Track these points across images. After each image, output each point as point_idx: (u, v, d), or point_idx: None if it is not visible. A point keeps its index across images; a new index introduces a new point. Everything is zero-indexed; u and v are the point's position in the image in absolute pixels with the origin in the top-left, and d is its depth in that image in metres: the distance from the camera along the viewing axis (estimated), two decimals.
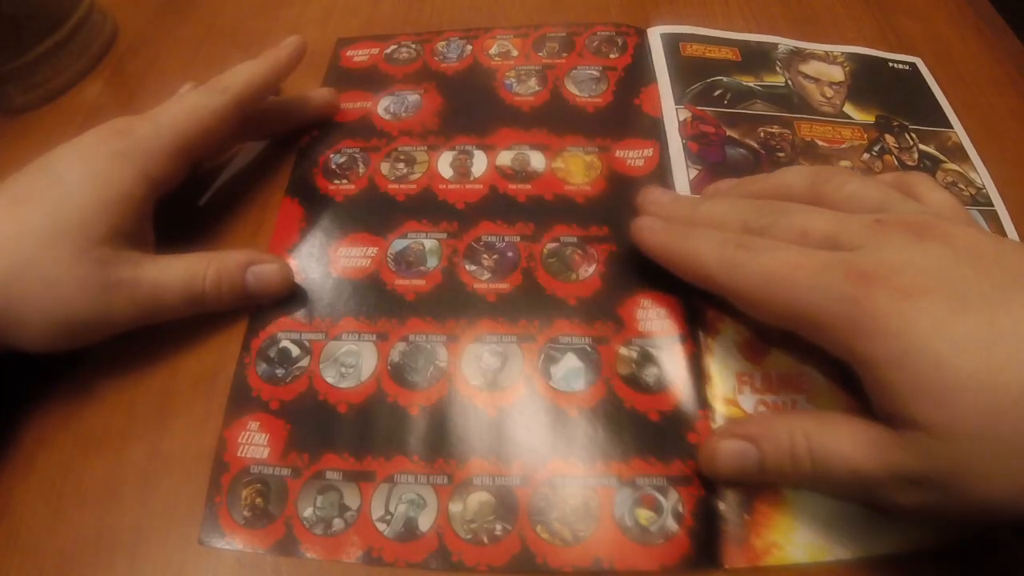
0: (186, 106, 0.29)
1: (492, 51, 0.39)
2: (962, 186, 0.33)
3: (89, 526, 0.25)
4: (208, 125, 0.29)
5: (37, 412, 0.28)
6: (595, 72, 0.37)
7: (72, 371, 0.28)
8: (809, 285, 0.21)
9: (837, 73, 0.37)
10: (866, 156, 0.34)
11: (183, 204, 0.33)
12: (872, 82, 0.37)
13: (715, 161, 0.33)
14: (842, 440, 0.21)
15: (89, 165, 0.26)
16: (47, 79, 0.40)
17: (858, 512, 0.24)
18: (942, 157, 0.34)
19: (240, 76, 0.31)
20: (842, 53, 0.38)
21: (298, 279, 0.30)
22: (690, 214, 0.27)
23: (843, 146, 0.34)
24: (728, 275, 0.23)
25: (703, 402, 0.26)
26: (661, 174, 0.33)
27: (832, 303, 0.21)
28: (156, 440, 0.27)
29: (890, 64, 0.38)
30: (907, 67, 0.38)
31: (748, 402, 0.26)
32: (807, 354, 0.26)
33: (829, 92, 0.36)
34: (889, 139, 0.34)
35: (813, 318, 0.21)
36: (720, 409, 0.26)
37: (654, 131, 0.34)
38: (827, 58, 0.38)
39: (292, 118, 0.36)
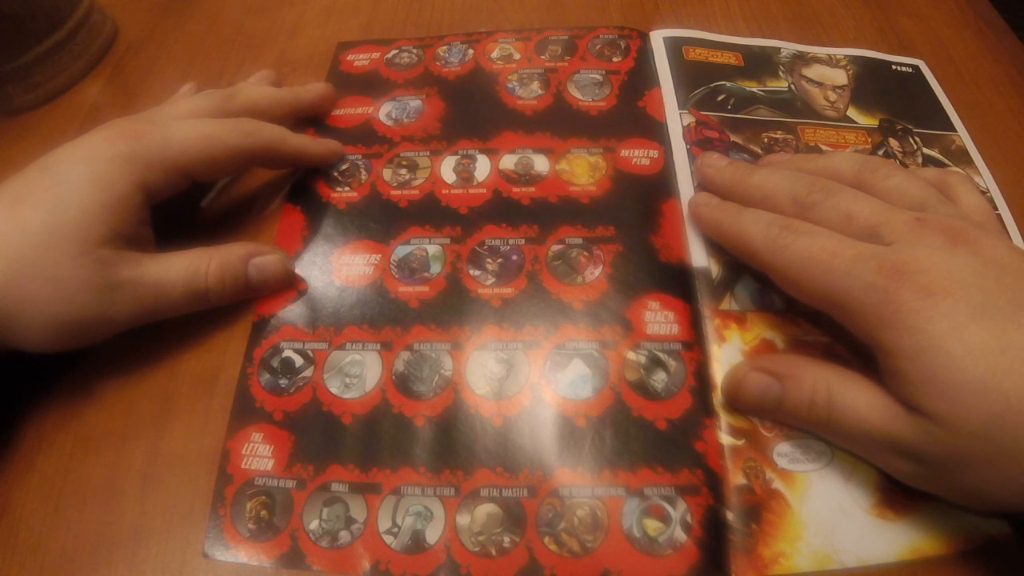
0: (202, 131, 0.28)
1: (494, 55, 0.38)
2: None
3: (89, 526, 0.25)
4: (217, 159, 0.29)
5: (37, 412, 0.28)
6: (598, 76, 0.37)
7: (72, 371, 0.28)
8: (844, 271, 0.22)
9: (840, 77, 0.37)
10: None
11: (184, 214, 0.32)
12: (875, 85, 0.37)
13: None
14: (859, 398, 0.22)
15: (90, 166, 0.26)
16: (47, 79, 0.39)
17: (864, 522, 0.24)
18: (946, 161, 0.34)
19: (271, 132, 0.31)
20: (845, 56, 0.38)
21: (300, 288, 0.30)
22: (744, 179, 0.28)
23: (847, 151, 0.34)
24: (771, 254, 0.25)
25: (710, 410, 0.26)
26: (666, 178, 0.32)
27: (862, 291, 0.22)
28: (156, 440, 0.27)
29: (893, 67, 0.38)
30: (910, 70, 0.38)
31: None
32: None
33: (832, 96, 0.36)
34: (893, 143, 0.34)
35: (844, 303, 0.22)
36: (726, 418, 0.26)
37: (659, 134, 0.34)
38: (830, 61, 0.38)
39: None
